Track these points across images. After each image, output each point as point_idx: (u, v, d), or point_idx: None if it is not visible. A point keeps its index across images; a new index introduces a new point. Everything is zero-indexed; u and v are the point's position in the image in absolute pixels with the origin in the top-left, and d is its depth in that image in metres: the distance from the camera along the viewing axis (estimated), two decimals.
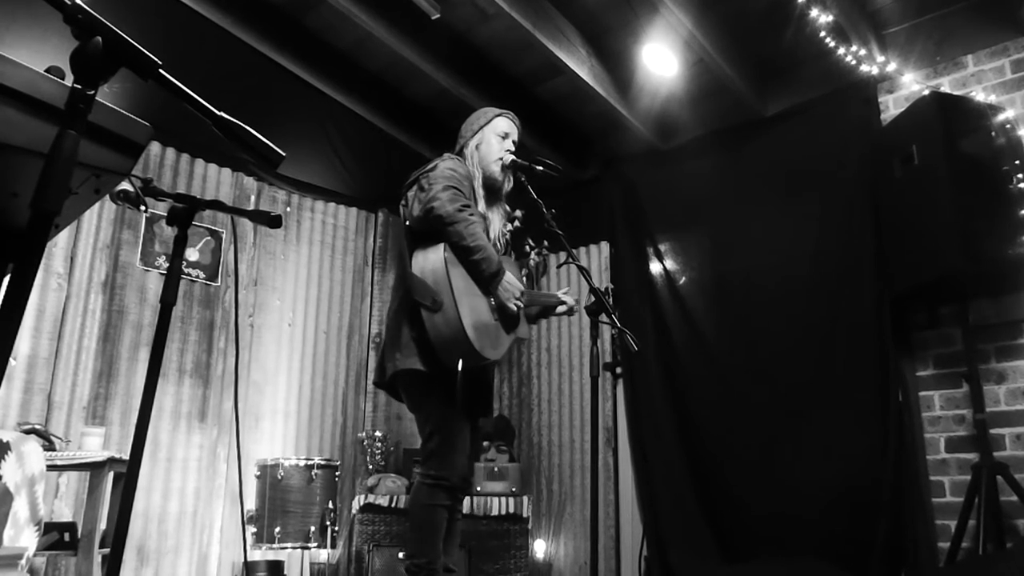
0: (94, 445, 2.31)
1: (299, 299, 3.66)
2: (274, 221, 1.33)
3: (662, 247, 3.69)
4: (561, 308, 2.22)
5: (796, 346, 3.09)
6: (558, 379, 3.92)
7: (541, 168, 2.02)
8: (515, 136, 2.13)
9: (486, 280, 1.84)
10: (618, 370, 3.68)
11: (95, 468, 2.19)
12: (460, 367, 1.72)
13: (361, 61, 3.48)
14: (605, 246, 3.89)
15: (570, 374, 3.88)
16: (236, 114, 0.81)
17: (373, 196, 3.99)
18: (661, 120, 3.65)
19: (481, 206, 2.00)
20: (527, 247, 2.19)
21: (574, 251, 1.93)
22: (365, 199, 3.98)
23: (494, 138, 2.07)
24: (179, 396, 3.07)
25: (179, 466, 3.01)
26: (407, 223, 1.94)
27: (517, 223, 2.12)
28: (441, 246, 1.80)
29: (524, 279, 2.15)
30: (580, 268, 1.87)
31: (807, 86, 3.29)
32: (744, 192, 3.42)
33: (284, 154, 0.83)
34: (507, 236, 2.12)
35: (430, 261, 1.81)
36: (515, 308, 1.91)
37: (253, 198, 3.49)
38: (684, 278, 3.61)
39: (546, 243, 2.20)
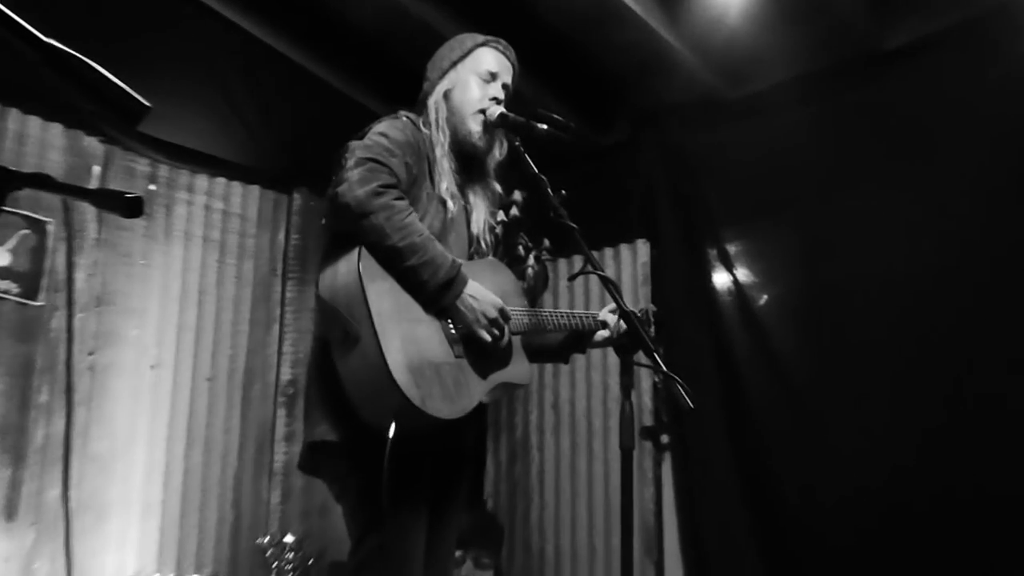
0: None
1: (168, 327, 3.61)
2: (131, 206, 1.28)
3: (731, 248, 3.68)
4: (603, 333, 2.18)
5: (936, 399, 3.07)
6: (570, 452, 3.87)
7: (545, 127, 2.02)
8: (508, 78, 2.14)
9: (432, 295, 1.84)
10: (663, 438, 3.66)
11: None
12: (391, 431, 1.70)
13: None
14: (643, 246, 3.88)
15: (589, 444, 3.84)
16: (76, 42, 0.82)
17: (287, 169, 3.97)
18: (727, 55, 3.63)
19: (446, 185, 2.01)
20: (520, 247, 2.18)
21: (594, 254, 1.91)
22: (275, 173, 3.96)
23: (474, 80, 2.09)
24: None
25: None
26: (323, 221, 1.97)
27: (515, 211, 2.11)
28: (355, 252, 1.80)
29: (524, 295, 2.13)
30: (604, 280, 1.83)
31: (948, 6, 3.30)
32: (854, 164, 3.44)
33: (148, 104, 0.85)
34: (498, 230, 2.12)
35: (341, 276, 1.81)
36: (488, 337, 1.89)
37: (98, 170, 3.45)
38: (765, 295, 3.60)
39: (547, 243, 2.20)
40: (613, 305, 2.24)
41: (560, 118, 2.03)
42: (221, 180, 3.84)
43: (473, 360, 1.92)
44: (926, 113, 3.30)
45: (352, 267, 1.78)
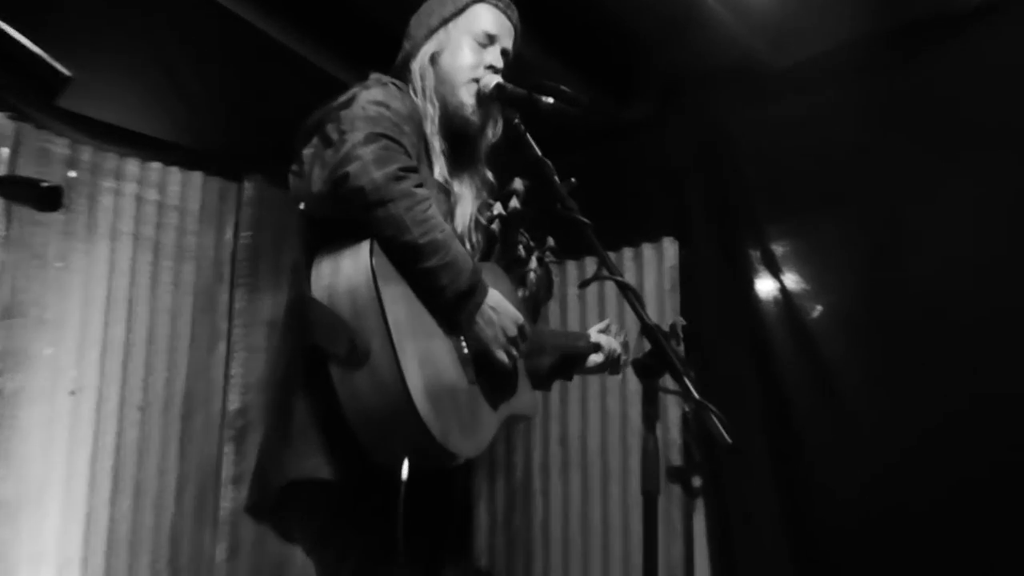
0: None
1: (91, 345, 3.58)
2: (46, 197, 1.35)
3: (777, 249, 3.69)
4: (596, 358, 2.30)
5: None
6: (580, 497, 3.89)
7: (550, 100, 2.04)
8: (508, 41, 2.19)
9: (451, 305, 1.85)
10: (695, 481, 3.64)
11: None
12: (405, 471, 1.72)
13: None
14: (671, 246, 3.91)
15: (603, 487, 3.85)
16: None
17: (237, 152, 3.97)
18: (773, 13, 3.59)
19: (438, 170, 2.05)
20: (520, 247, 2.21)
21: (611, 255, 1.90)
22: (221, 157, 3.96)
23: (467, 42, 2.13)
24: None
25: None
26: (301, 206, 1.97)
27: (514, 203, 2.10)
28: (365, 246, 1.80)
29: (524, 306, 2.12)
30: (623, 288, 1.83)
31: None
32: (925, 147, 3.42)
33: (68, 73, 0.88)
34: (492, 226, 2.10)
35: (345, 275, 1.81)
36: (507, 360, 1.91)
37: (6, 153, 3.40)
38: (818, 305, 3.60)
39: (552, 242, 2.23)
40: (605, 323, 2.29)
41: (569, 90, 2.03)
42: (156, 165, 3.81)
43: (484, 386, 1.94)
44: (1008, 87, 3.28)
45: (362, 265, 1.78)
